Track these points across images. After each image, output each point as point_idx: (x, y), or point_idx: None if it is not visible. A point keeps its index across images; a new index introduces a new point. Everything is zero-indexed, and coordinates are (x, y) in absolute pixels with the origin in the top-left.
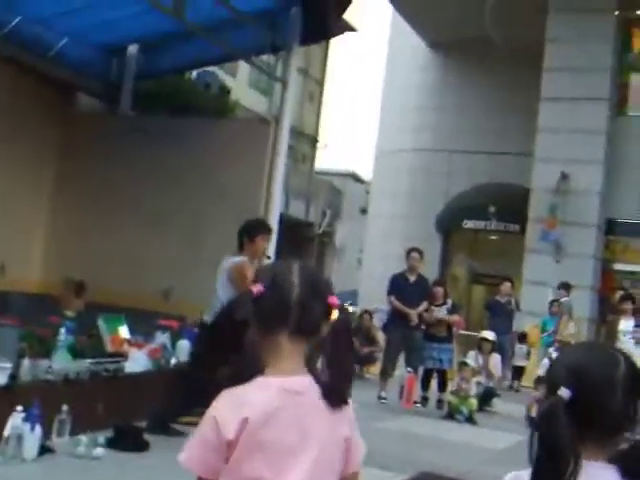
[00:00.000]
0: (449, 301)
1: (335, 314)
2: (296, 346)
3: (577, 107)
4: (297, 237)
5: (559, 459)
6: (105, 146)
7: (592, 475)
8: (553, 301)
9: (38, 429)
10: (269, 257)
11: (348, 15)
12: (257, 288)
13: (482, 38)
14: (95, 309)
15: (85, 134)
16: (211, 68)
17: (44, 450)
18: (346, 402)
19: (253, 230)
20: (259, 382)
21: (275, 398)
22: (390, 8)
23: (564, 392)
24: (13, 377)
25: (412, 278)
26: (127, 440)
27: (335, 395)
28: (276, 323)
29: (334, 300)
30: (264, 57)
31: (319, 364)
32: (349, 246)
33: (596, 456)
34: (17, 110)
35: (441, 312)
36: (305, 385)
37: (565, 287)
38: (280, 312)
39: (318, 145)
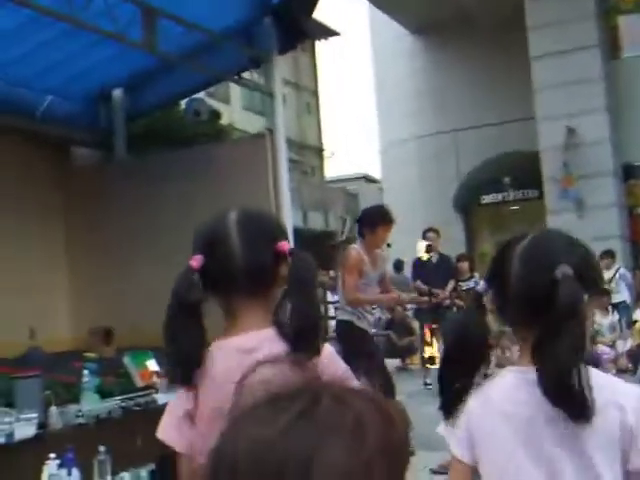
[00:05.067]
0: (476, 274)
1: (287, 260)
2: (251, 302)
3: (569, 59)
4: (320, 249)
5: None
6: (107, 194)
7: None
8: None
9: (75, 473)
10: (389, 245)
11: (328, 20)
12: (195, 262)
13: (462, 14)
14: (124, 351)
15: (86, 186)
16: (198, 95)
17: None
18: (315, 352)
19: (374, 221)
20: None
21: (231, 359)
22: (366, 3)
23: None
24: (42, 426)
25: (433, 259)
26: (171, 472)
27: (298, 345)
28: (224, 287)
29: (283, 246)
30: (253, 75)
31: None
32: None
33: None
34: (18, 177)
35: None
36: (260, 339)
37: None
38: (225, 276)
39: (325, 154)
